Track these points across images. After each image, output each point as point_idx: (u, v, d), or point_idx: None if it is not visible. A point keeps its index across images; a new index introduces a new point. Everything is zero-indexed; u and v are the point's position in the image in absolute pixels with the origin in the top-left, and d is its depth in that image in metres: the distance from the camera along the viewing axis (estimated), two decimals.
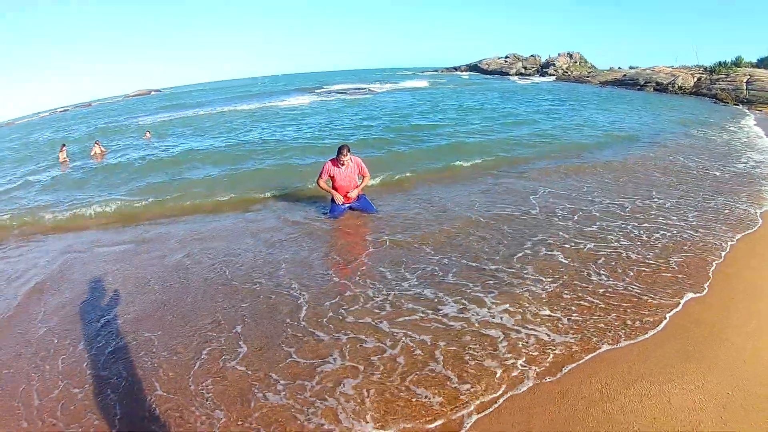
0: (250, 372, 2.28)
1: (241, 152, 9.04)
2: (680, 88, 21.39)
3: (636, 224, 4.29)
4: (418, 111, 15.25)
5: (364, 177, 5.61)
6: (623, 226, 4.23)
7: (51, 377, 2.35)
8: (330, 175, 5.46)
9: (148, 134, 14.02)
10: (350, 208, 5.55)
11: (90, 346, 2.61)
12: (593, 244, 3.79)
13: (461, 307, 2.83)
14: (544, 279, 3.16)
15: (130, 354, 2.50)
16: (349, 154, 5.29)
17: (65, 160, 10.51)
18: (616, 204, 4.95)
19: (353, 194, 5.55)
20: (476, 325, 2.62)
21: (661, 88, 22.71)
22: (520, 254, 3.60)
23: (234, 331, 2.67)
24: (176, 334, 2.68)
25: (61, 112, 42.82)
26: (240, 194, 6.00)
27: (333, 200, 5.50)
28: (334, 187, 5.51)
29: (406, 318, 2.73)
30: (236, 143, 10.41)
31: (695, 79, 20.80)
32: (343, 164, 5.32)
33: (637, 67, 27.39)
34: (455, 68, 54.11)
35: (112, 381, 2.28)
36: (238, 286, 3.26)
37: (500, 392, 2.10)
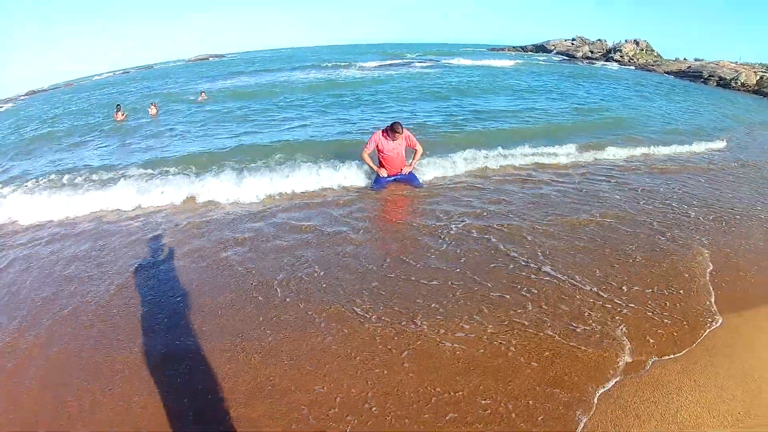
0: None
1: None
2: (743, 84, 21.76)
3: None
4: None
5: (415, 150, 5.43)
6: None
7: None
8: (377, 146, 5.28)
9: (203, 95, 14.42)
10: (395, 179, 5.45)
11: None
12: None
13: None
14: None
15: None
16: (402, 130, 5.16)
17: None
18: None
19: (405, 171, 5.43)
20: None
21: (723, 83, 23.02)
22: None
23: None
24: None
25: (122, 74, 46.81)
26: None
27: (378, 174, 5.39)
28: (381, 160, 5.38)
29: None
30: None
31: (758, 77, 21.14)
32: (395, 139, 5.21)
33: (701, 60, 27.29)
34: (522, 48, 53.84)
35: None
36: None
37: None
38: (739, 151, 8.07)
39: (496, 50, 55.60)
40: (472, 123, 9.47)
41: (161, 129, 10.23)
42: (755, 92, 20.80)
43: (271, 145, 7.63)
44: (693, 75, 25.46)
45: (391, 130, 5.14)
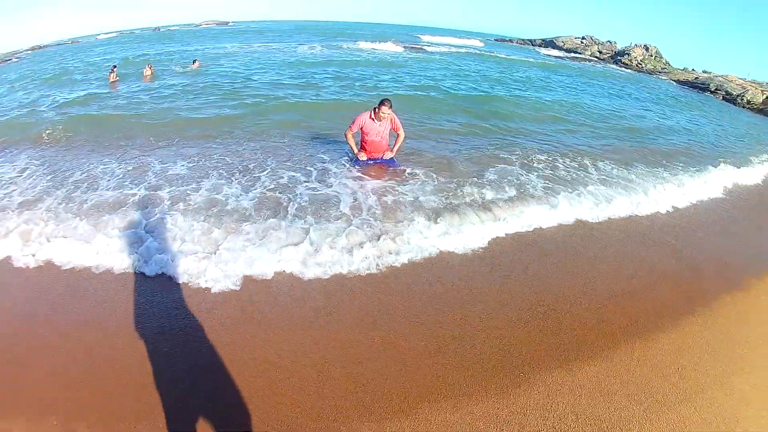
0: None
1: None
2: (748, 102, 21.87)
3: None
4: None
5: (398, 135, 5.27)
6: None
7: None
8: (362, 128, 5.12)
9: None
10: (374, 162, 5.33)
11: None
12: None
13: None
14: None
15: None
16: (390, 110, 4.96)
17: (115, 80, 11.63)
18: None
19: (387, 157, 5.27)
20: None
21: (730, 98, 23.11)
22: None
23: None
24: None
25: (128, 34, 45.56)
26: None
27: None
28: (363, 142, 5.24)
29: None
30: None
31: (764, 96, 21.27)
32: (381, 119, 5.00)
33: (709, 72, 27.32)
34: (530, 41, 53.08)
35: None
36: None
37: None
38: None
39: (503, 41, 54.70)
40: None
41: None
42: (759, 111, 20.97)
43: None
44: (699, 86, 25.50)
45: (380, 106, 4.94)
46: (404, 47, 27.75)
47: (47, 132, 6.73)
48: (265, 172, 5.10)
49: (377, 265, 3.44)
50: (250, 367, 2.38)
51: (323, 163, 5.46)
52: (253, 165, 5.36)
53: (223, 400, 2.19)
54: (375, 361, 2.48)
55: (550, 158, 6.48)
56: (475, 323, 2.87)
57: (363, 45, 26.57)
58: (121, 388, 2.22)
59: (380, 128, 5.07)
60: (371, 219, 4.07)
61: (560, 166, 6.22)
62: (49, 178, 4.94)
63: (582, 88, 16.75)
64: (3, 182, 4.84)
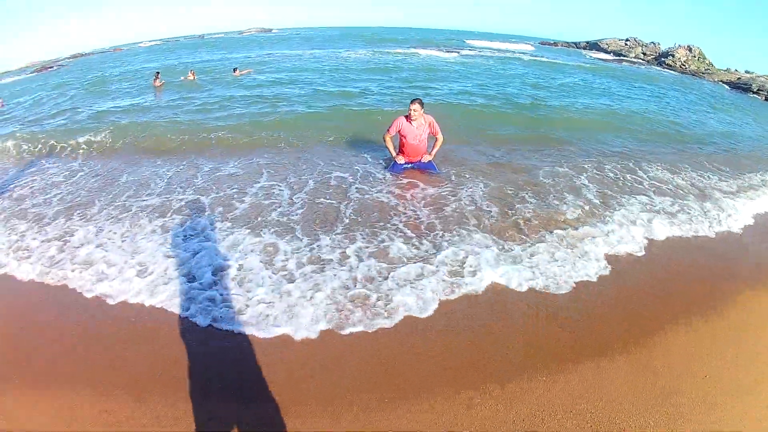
0: None
1: None
2: None
3: None
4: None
5: (437, 138, 5.28)
6: None
7: None
8: (399, 131, 5.14)
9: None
10: (413, 166, 5.35)
11: None
12: None
13: None
14: None
15: None
16: (421, 108, 4.98)
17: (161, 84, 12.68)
18: None
19: (425, 160, 5.28)
20: None
21: None
22: None
23: None
24: None
25: (173, 41, 48.48)
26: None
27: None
28: (401, 145, 5.28)
29: None
30: None
31: None
32: (414, 119, 5.02)
33: (752, 72, 25.49)
34: (575, 44, 51.70)
35: None
36: None
37: None
38: None
39: (548, 44, 53.66)
40: None
41: None
42: None
43: None
44: (742, 87, 23.99)
45: (410, 105, 4.99)
46: (449, 51, 27.92)
47: (94, 138, 7.22)
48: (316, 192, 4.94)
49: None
50: None
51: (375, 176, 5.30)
52: (304, 176, 5.37)
53: None
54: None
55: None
56: None
57: (410, 50, 26.77)
58: None
59: (417, 131, 5.08)
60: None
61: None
62: (97, 184, 5.41)
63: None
64: (56, 186, 5.38)
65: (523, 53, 32.59)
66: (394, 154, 5.37)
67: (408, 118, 5.06)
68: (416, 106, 4.97)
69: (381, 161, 5.99)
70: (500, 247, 3.89)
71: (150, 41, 51.14)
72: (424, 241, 3.93)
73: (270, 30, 64.16)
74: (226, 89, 12.40)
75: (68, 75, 20.45)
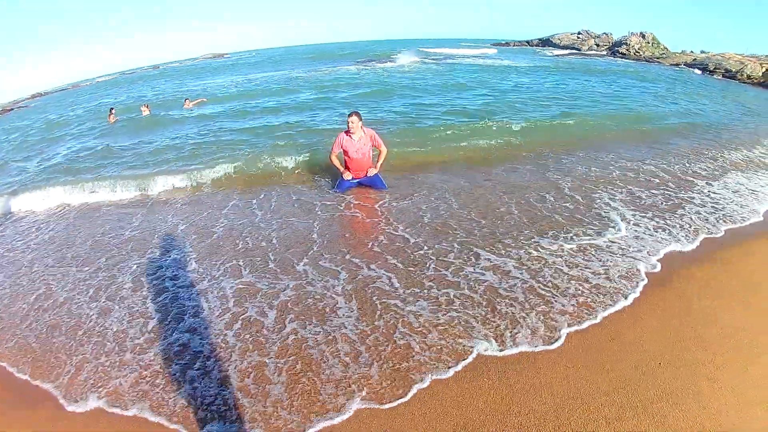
0: None
1: None
2: (748, 77, 21.62)
3: None
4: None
5: (380, 151, 5.33)
6: None
7: None
8: (342, 148, 5.15)
9: (187, 102, 13.18)
10: (359, 183, 5.34)
11: None
12: None
13: None
14: None
15: None
16: (359, 121, 5.02)
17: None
18: None
19: (371, 173, 5.27)
20: None
21: (729, 75, 22.90)
22: None
23: None
24: None
25: (129, 74, 46.33)
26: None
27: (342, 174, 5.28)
28: (346, 162, 5.26)
29: None
30: None
31: (763, 69, 21.00)
32: (353, 132, 5.03)
33: (708, 52, 27.09)
34: (527, 42, 53.50)
35: None
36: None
37: None
38: None
39: (500, 45, 55.13)
40: None
41: None
42: (761, 84, 20.68)
43: None
44: (698, 67, 25.31)
45: (348, 118, 5.01)
46: (415, 61, 27.13)
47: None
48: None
49: None
50: None
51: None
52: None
53: None
54: None
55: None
56: None
57: (373, 65, 24.77)
58: None
59: (358, 144, 5.07)
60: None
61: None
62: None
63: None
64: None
65: (485, 57, 31.98)
66: (342, 170, 5.32)
67: (348, 132, 5.08)
68: (353, 118, 4.97)
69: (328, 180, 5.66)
70: None
71: (108, 75, 49.63)
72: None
73: (223, 55, 62.86)
74: (178, 127, 10.58)
75: (26, 118, 18.54)
